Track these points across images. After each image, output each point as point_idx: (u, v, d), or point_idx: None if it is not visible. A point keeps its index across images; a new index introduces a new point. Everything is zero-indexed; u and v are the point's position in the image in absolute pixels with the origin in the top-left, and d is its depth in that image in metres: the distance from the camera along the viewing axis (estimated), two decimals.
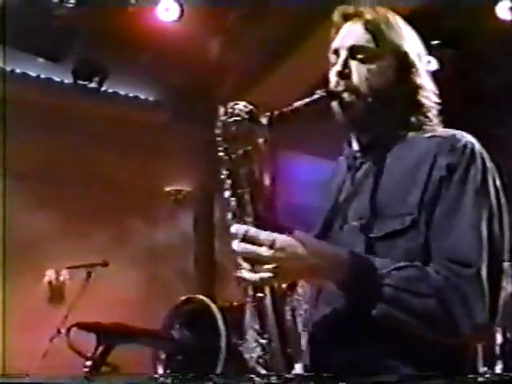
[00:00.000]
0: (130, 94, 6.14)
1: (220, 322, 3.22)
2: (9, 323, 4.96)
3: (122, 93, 6.07)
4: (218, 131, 1.36)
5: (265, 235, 1.23)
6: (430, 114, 1.47)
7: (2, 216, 5.24)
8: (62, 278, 5.59)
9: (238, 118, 1.33)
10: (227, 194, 1.34)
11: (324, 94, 1.42)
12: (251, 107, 1.34)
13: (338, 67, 1.45)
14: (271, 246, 1.22)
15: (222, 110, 1.36)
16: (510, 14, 4.58)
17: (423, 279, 1.25)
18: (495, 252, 1.29)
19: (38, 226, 5.39)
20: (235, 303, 3.88)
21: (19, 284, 5.10)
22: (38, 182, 5.42)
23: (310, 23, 4.56)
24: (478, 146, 1.37)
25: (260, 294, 1.29)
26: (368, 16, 1.46)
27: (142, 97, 6.21)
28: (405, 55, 1.46)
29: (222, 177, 1.35)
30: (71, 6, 4.46)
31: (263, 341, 1.30)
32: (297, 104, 1.38)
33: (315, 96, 1.41)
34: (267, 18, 4.84)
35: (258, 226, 1.27)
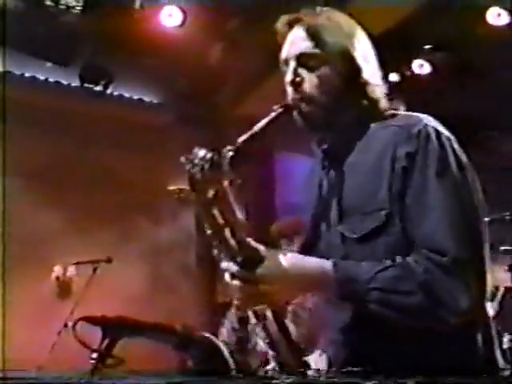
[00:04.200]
0: (135, 97, 6.19)
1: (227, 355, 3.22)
2: (18, 318, 4.98)
3: (127, 95, 6.11)
4: (186, 179, 1.32)
5: (245, 274, 1.28)
6: (381, 105, 1.46)
7: (10, 213, 5.29)
8: (69, 274, 5.60)
9: (199, 168, 1.29)
10: (208, 232, 1.32)
11: (281, 109, 1.41)
12: (210, 154, 1.28)
13: (288, 77, 1.44)
14: (256, 283, 1.28)
15: (184, 159, 1.31)
16: (499, 19, 4.71)
17: (407, 277, 1.25)
18: (471, 230, 1.27)
19: (47, 223, 5.37)
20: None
21: (28, 279, 5.13)
22: (47, 182, 5.47)
23: None
24: (433, 126, 1.34)
25: (255, 321, 1.35)
26: (308, 21, 1.45)
27: (146, 99, 6.25)
28: (349, 55, 1.43)
29: (199, 217, 1.33)
30: (78, 12, 4.55)
31: (274, 352, 1.34)
32: (256, 128, 1.36)
33: (273, 114, 1.40)
34: (268, 22, 4.93)
35: (244, 256, 1.29)
